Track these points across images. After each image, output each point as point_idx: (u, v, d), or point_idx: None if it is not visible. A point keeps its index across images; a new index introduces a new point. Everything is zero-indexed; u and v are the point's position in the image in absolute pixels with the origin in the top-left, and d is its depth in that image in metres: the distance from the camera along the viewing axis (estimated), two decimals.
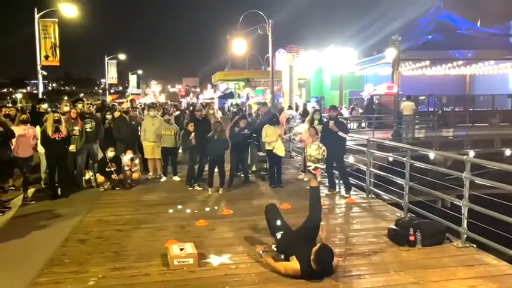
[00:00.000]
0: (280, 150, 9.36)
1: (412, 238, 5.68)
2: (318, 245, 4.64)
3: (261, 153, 11.22)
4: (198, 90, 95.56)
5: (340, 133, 8.63)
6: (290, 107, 16.31)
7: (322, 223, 5.38)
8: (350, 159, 10.27)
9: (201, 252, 5.34)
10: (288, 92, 17.80)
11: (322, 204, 7.98)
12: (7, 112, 9.01)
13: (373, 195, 8.61)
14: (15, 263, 5.40)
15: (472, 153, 15.00)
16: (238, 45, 18.61)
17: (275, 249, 5.31)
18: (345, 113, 23.30)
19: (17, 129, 8.15)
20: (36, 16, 18.89)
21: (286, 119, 13.91)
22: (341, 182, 9.06)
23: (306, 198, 8.25)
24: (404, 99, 20.43)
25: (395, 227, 6.05)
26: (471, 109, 25.41)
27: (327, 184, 9.27)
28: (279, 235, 5.33)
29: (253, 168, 11.07)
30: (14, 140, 7.97)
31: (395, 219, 6.45)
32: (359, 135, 13.01)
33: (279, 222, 5.50)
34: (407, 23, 31.77)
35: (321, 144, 5.69)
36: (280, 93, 26.58)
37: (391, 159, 8.97)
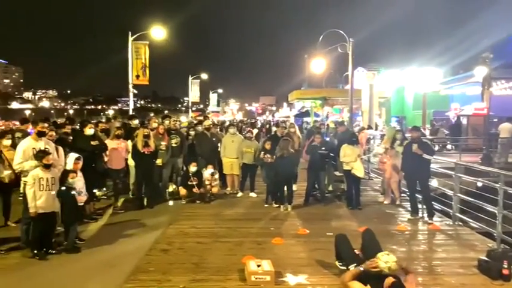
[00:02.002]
0: (359, 170, 9.15)
1: (506, 272, 5.21)
2: (391, 280, 4.38)
3: (337, 173, 11.04)
4: (274, 108, 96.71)
5: (425, 155, 8.21)
6: (370, 127, 15.89)
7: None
8: (433, 182, 9.72)
9: (277, 270, 5.34)
10: (367, 111, 17.39)
11: (404, 229, 7.71)
12: (103, 127, 9.82)
13: (459, 223, 8.04)
14: (105, 267, 5.81)
15: None
16: (317, 64, 18.62)
17: None
18: (428, 134, 22.13)
19: (111, 143, 8.87)
20: (130, 39, 20.48)
21: (367, 139, 13.56)
22: (424, 206, 8.58)
23: (386, 222, 8.07)
24: (495, 120, 18.93)
25: (486, 259, 5.58)
26: None
27: (409, 208, 8.85)
28: (352, 267, 5.13)
29: (330, 188, 10.89)
30: (108, 153, 8.65)
31: (487, 249, 5.94)
32: (444, 158, 12.27)
33: (351, 254, 5.32)
34: (499, 40, 29.60)
35: (391, 258, 4.55)
36: (359, 112, 26.02)
37: (480, 184, 8.34)
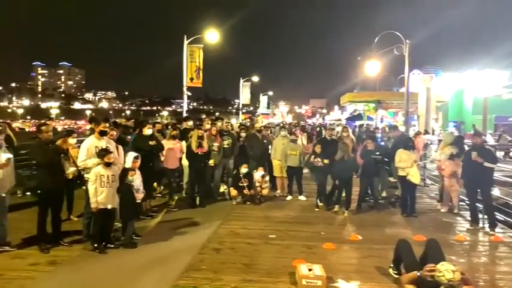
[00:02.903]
0: (415, 177, 8.83)
1: None
2: None
3: (392, 179, 10.72)
4: (324, 111, 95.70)
5: (487, 163, 7.78)
6: (426, 131, 15.27)
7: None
8: (496, 191, 9.19)
9: (329, 275, 5.28)
10: (424, 114, 16.75)
11: (463, 239, 7.35)
12: (159, 128, 10.18)
13: None
14: (160, 263, 6.00)
15: None
16: (372, 66, 18.20)
17: None
18: (490, 140, 20.93)
19: (167, 143, 9.16)
20: (185, 43, 21.06)
21: (424, 144, 13.04)
22: (485, 216, 8.12)
23: (443, 231, 7.73)
24: None
25: None
26: None
27: (468, 218, 8.42)
28: (418, 274, 4.94)
29: (383, 194, 10.59)
30: (164, 152, 8.95)
31: None
32: (508, 166, 11.57)
33: (413, 262, 5.12)
34: None
35: (452, 268, 4.27)
36: (414, 116, 25.14)
37: None
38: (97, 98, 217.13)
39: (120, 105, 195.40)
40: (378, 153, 9.21)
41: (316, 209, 9.37)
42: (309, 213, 9.05)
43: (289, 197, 10.47)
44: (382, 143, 10.68)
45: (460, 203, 9.37)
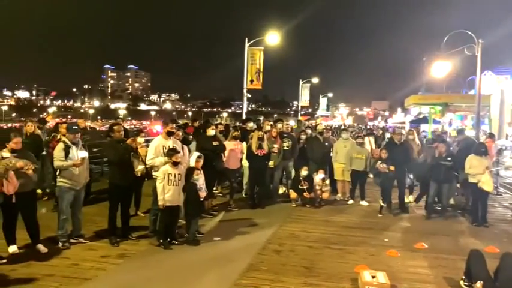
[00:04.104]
0: (487, 184, 8.30)
1: None
2: None
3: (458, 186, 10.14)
4: (387, 113, 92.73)
5: None
6: (492, 134, 14.18)
7: None
8: None
9: (392, 283, 5.10)
10: (496, 119, 15.68)
11: None
12: (222, 129, 10.41)
13: None
14: (221, 261, 6.11)
15: None
16: (439, 68, 17.36)
17: None
18: None
19: (229, 144, 9.33)
20: (247, 45, 21.35)
21: (498, 149, 12.21)
22: None
23: None
24: None
25: None
26: None
27: None
28: (478, 284, 4.66)
29: (451, 202, 10.05)
30: (226, 153, 9.14)
31: None
32: None
33: (484, 274, 4.81)
34: None
35: None
36: (484, 120, 23.62)
37: None
38: (161, 99, 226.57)
39: (183, 106, 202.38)
40: (449, 158, 8.75)
41: (379, 215, 9.10)
42: (371, 219, 8.81)
43: (350, 201, 10.26)
44: (451, 148, 10.11)
45: None
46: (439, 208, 9.24)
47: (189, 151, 7.89)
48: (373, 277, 5.04)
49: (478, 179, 8.33)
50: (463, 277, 5.21)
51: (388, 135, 16.98)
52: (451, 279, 5.53)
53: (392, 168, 9.12)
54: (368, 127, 25.33)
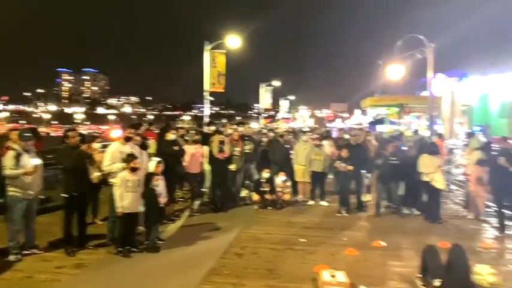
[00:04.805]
0: (439, 182, 8.67)
1: None
2: None
3: None
4: (346, 115, 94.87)
5: None
6: (440, 135, 14.87)
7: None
8: None
9: (352, 282, 5.22)
10: (447, 119, 16.42)
11: (490, 247, 7.16)
12: (182, 133, 10.29)
13: None
14: (182, 267, 6.04)
15: None
16: (393, 70, 18.01)
17: None
18: None
19: (190, 148, 9.25)
20: (206, 48, 21.24)
21: (449, 149, 12.79)
22: None
23: (468, 238, 7.55)
24: None
25: None
26: None
27: (496, 225, 8.21)
28: (437, 282, 4.86)
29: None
30: (187, 157, 9.04)
31: None
32: None
33: (439, 268, 5.02)
34: None
35: (497, 273, 4.21)
36: (437, 120, 24.68)
37: None
38: (120, 103, 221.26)
39: (143, 110, 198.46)
40: (394, 158, 9.09)
41: (338, 215, 9.30)
42: (331, 219, 8.99)
43: (310, 202, 10.43)
44: (405, 148, 10.49)
45: (487, 210, 9.14)
46: (395, 206, 9.55)
47: (148, 155, 7.76)
48: (332, 276, 5.14)
49: (430, 177, 8.69)
50: (419, 275, 5.37)
51: (347, 136, 17.37)
52: (408, 275, 5.71)
53: (350, 168, 9.36)
54: (328, 129, 25.80)
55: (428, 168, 8.72)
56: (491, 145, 9.68)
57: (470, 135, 10.87)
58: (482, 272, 4.07)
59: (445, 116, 16.74)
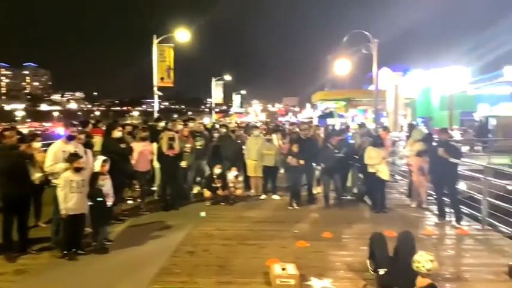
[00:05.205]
0: (384, 173, 9.04)
1: None
2: (427, 281, 4.27)
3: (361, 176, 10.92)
4: (297, 109, 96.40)
5: (452, 159, 8.05)
6: (386, 127, 15.52)
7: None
8: (462, 185, 9.51)
9: (302, 273, 5.33)
10: (392, 112, 17.15)
11: (431, 233, 7.57)
12: (130, 130, 9.99)
13: (489, 227, 7.84)
14: (132, 268, 5.90)
15: None
16: (341, 65, 18.50)
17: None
18: (457, 135, 21.62)
19: (137, 146, 9.01)
20: (155, 42, 20.78)
21: (392, 141, 13.35)
22: (452, 210, 8.40)
23: (412, 226, 7.92)
24: None
25: None
26: None
27: (436, 212, 8.68)
28: (382, 271, 5.08)
29: (354, 191, 10.78)
30: (135, 155, 8.80)
31: None
32: (473, 160, 12.01)
33: (384, 256, 5.24)
34: None
35: (434, 259, 4.34)
36: (383, 113, 25.70)
37: (511, 188, 8.13)
38: (65, 99, 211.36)
39: (89, 106, 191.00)
40: (337, 150, 9.37)
41: (290, 208, 9.45)
42: (282, 212, 9.12)
43: (263, 196, 10.52)
44: (352, 141, 10.84)
45: (428, 198, 9.64)
46: (347, 197, 9.87)
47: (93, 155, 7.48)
48: (283, 269, 5.22)
49: (376, 168, 9.03)
50: (369, 260, 5.60)
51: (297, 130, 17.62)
52: (356, 264, 5.93)
53: (301, 162, 9.54)
54: (277, 124, 26.09)
55: (374, 160, 9.05)
56: (432, 136, 10.19)
57: (412, 126, 11.36)
58: (420, 259, 4.29)
59: (390, 109, 17.45)
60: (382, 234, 5.69)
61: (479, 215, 8.10)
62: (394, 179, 12.72)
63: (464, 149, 19.85)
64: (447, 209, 8.51)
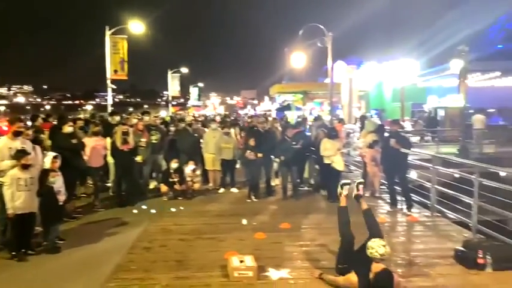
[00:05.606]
0: (338, 164, 9.27)
1: (481, 261, 5.38)
2: (381, 267, 4.46)
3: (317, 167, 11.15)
4: (255, 102, 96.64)
5: (403, 149, 8.38)
6: (341, 120, 15.92)
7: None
8: (412, 174, 9.92)
9: (260, 265, 5.39)
10: (347, 104, 17.58)
11: (383, 221, 7.85)
12: (82, 125, 9.66)
13: (437, 214, 8.25)
14: (86, 267, 5.74)
15: None
16: (297, 58, 18.72)
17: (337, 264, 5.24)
18: (408, 126, 22.51)
19: (90, 141, 8.72)
20: (107, 33, 20.13)
21: (347, 133, 13.71)
22: (403, 198, 8.75)
23: None
24: (472, 111, 19.41)
25: (462, 249, 5.76)
26: None
27: (388, 200, 9.02)
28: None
29: (311, 182, 10.99)
30: (87, 151, 8.51)
31: (463, 240, 6.15)
32: (422, 150, 12.54)
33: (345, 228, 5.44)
34: (475, 32, 30.13)
35: (386, 244, 4.54)
36: (339, 106, 26.30)
37: (457, 175, 8.58)
38: (11, 92, 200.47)
39: (39, 99, 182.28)
40: (294, 143, 9.52)
41: (248, 200, 9.51)
42: (241, 205, 9.16)
43: (221, 190, 10.50)
44: (309, 133, 11.04)
45: (381, 187, 10.00)
46: (306, 188, 10.04)
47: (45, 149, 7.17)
48: (241, 262, 5.25)
49: (331, 160, 9.25)
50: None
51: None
52: (313, 253, 6.08)
53: (260, 155, 9.61)
54: (235, 117, 26.12)
55: (329, 151, 9.26)
56: (384, 128, 10.55)
57: (364, 118, 11.74)
58: (373, 245, 4.46)
59: (344, 102, 17.87)
60: (352, 239, 5.41)
61: (428, 202, 8.48)
62: (349, 170, 13.07)
63: (415, 139, 20.73)
64: (399, 198, 8.86)
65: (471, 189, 6.87)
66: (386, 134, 9.52)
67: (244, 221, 7.69)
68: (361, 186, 5.78)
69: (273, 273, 5.33)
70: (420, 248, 6.47)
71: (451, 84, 23.12)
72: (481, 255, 5.38)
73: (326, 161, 9.37)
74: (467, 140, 17.60)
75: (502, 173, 9.26)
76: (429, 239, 6.89)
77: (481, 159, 13.64)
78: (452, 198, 7.99)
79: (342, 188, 5.89)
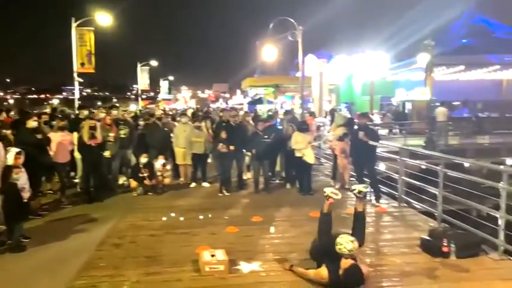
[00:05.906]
0: (309, 157, 9.36)
1: (445, 249, 5.56)
2: (350, 262, 4.54)
3: None
4: (227, 95, 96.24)
5: (371, 142, 8.55)
6: (312, 113, 16.11)
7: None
8: (381, 166, 10.14)
9: (231, 258, 5.39)
10: (317, 98, 17.71)
11: (350, 212, 7.99)
12: (47, 119, 9.37)
13: (404, 204, 8.46)
14: (53, 265, 5.59)
15: (509, 161, 14.48)
16: (268, 52, 18.68)
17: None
18: (377, 119, 22.95)
19: (55, 136, 8.47)
20: (73, 25, 19.56)
21: (317, 126, 13.85)
22: (371, 190, 8.93)
23: (336, 206, 8.19)
24: (438, 104, 19.97)
25: (428, 238, 5.94)
26: (508, 115, 24.51)
27: None
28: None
29: (283, 175, 11.06)
30: (53, 146, 8.27)
31: (428, 229, 6.34)
32: (390, 143, 12.82)
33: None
34: (440, 27, 30.96)
35: (354, 240, 4.64)
36: (310, 99, 26.51)
37: (423, 167, 8.82)
38: None
39: (1, 93, 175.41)
40: (266, 136, 9.56)
41: (220, 195, 9.48)
42: (213, 199, 9.13)
43: (193, 184, 10.42)
44: (280, 127, 11.09)
45: (351, 179, 10.17)
46: (278, 181, 10.09)
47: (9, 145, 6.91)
48: (212, 256, 5.24)
49: (302, 153, 9.33)
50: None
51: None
52: (284, 246, 6.13)
53: (232, 148, 9.59)
54: (206, 110, 25.92)
55: (300, 144, 9.33)
56: (353, 121, 10.71)
57: (334, 111, 11.91)
58: (341, 241, 4.54)
59: (315, 95, 18.00)
60: (329, 247, 5.00)
61: (396, 193, 8.69)
62: (320, 162, 13.24)
63: (383, 132, 21.17)
64: (367, 189, 9.01)
65: (437, 180, 7.07)
66: (355, 127, 9.67)
67: (201, 216, 7.64)
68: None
69: (245, 267, 5.35)
70: (388, 238, 6.64)
71: (419, 78, 23.69)
72: (445, 244, 5.55)
73: (297, 154, 9.43)
74: (433, 132, 18.11)
75: (466, 164, 9.60)
76: (397, 229, 7.07)
77: (446, 151, 14.09)
78: (418, 189, 8.20)
79: (331, 193, 5.62)
